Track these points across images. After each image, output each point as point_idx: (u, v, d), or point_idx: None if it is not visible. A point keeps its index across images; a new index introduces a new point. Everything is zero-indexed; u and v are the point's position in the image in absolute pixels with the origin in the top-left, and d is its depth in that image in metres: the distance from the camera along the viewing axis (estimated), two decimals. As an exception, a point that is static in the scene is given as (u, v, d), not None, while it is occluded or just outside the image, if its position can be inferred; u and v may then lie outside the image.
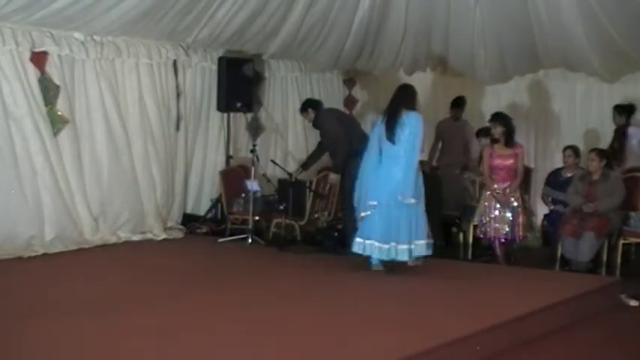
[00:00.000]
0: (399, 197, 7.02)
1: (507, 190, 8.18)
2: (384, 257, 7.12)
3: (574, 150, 8.68)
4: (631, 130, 9.32)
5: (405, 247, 7.06)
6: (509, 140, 8.27)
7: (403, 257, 7.09)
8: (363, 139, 7.74)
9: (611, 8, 8.43)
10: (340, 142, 8.32)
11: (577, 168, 8.61)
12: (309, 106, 8.94)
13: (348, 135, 8.28)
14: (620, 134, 9.34)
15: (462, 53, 10.27)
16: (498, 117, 8.52)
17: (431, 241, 7.24)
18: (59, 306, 5.83)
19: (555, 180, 8.77)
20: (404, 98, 7.25)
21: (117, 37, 8.60)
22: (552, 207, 8.73)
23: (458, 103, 10.42)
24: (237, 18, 9.03)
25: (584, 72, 10.06)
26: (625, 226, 8.10)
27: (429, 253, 7.22)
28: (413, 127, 7.06)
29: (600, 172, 8.10)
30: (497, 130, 8.32)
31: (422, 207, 7.17)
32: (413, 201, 7.04)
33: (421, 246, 7.13)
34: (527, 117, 10.26)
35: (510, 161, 8.21)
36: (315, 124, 8.81)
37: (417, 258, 7.20)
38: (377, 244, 7.09)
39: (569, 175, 8.59)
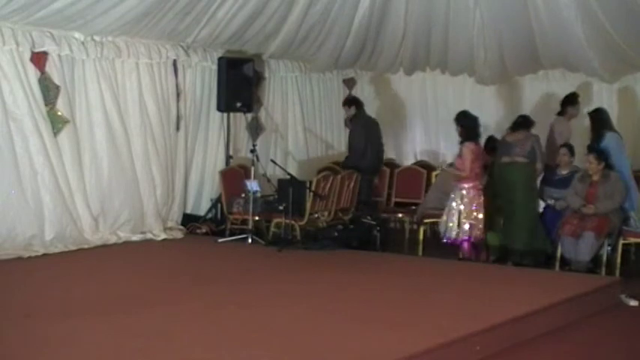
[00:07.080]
0: None
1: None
2: None
3: (569, 148, 8.68)
4: None
5: None
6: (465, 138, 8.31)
7: None
8: None
9: (611, 8, 8.43)
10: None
11: (572, 166, 8.62)
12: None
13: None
14: None
15: (462, 53, 10.27)
16: (457, 116, 8.54)
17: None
18: (59, 306, 5.83)
19: (551, 178, 8.76)
20: (594, 125, 8.68)
21: (117, 37, 8.60)
22: (549, 202, 8.68)
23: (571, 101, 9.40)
24: (237, 18, 9.04)
25: (584, 72, 10.06)
26: (625, 226, 8.10)
27: None
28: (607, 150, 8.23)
29: (600, 172, 8.09)
30: (458, 130, 8.39)
31: None
32: None
33: None
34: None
35: (458, 161, 8.30)
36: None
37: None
38: None
39: (564, 172, 8.60)
